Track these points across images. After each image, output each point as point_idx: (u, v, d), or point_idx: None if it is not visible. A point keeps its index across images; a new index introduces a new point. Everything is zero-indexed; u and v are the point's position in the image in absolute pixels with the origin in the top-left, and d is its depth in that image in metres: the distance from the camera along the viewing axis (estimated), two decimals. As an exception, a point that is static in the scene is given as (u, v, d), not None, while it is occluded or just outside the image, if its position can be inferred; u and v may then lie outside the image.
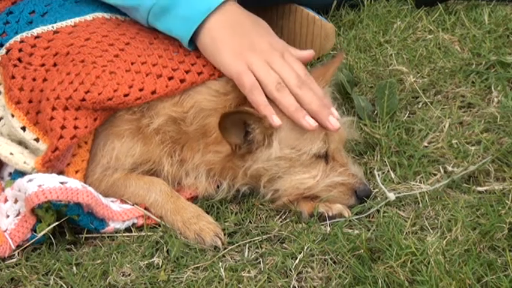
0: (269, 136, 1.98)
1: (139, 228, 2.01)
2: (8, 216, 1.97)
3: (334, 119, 1.98)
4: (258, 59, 2.00)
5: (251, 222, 2.01)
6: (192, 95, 2.03)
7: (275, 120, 1.95)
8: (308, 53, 2.13)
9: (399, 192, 2.02)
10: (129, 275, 1.84)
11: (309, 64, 2.72)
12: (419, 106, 2.41)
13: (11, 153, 2.04)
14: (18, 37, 2.15)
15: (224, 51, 2.02)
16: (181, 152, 2.06)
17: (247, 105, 1.98)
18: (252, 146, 2.00)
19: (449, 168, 2.09)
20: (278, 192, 2.03)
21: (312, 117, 1.97)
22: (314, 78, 2.09)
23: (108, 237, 1.98)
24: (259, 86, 1.98)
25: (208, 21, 2.04)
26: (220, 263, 1.85)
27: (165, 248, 1.91)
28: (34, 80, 2.07)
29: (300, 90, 1.98)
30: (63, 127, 1.99)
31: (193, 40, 2.06)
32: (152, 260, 1.87)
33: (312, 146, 1.99)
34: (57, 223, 1.92)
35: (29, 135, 2.05)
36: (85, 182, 2.02)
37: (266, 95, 1.98)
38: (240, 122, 1.96)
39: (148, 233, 1.97)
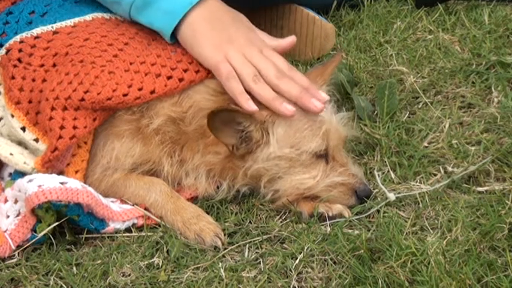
0: (266, 133, 1.98)
1: (140, 228, 2.01)
2: (8, 216, 1.97)
3: (317, 101, 1.98)
4: (236, 52, 2.03)
5: (251, 223, 2.01)
6: (190, 94, 2.03)
7: (250, 105, 1.96)
8: (287, 42, 2.15)
9: (399, 193, 2.02)
10: (129, 275, 1.84)
11: (308, 64, 2.73)
12: (420, 106, 2.41)
13: (11, 154, 2.04)
14: (18, 37, 2.15)
15: (204, 44, 2.05)
16: (181, 153, 2.06)
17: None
18: (250, 146, 2.00)
19: (450, 169, 2.09)
20: (278, 193, 2.03)
21: (295, 104, 1.98)
22: (312, 77, 2.10)
23: (108, 237, 1.98)
24: (235, 75, 2.00)
25: (189, 15, 2.06)
26: (220, 263, 1.85)
27: (165, 248, 1.91)
28: (33, 80, 2.07)
29: (278, 81, 1.99)
30: (62, 127, 1.99)
31: (174, 33, 2.09)
32: (152, 260, 1.87)
33: (311, 143, 1.99)
34: (57, 223, 1.92)
35: (28, 136, 2.05)
36: (85, 182, 2.02)
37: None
38: (231, 121, 1.96)
39: (149, 233, 1.97)
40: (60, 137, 1.97)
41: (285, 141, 1.99)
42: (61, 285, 1.82)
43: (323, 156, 2.02)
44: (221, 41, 2.04)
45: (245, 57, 2.02)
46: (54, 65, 2.08)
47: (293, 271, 1.80)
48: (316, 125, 2.00)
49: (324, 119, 2.03)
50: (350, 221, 1.95)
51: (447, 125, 2.26)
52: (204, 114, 1.99)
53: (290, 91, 1.98)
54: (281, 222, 2.01)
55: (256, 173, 2.02)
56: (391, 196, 1.98)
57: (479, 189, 2.00)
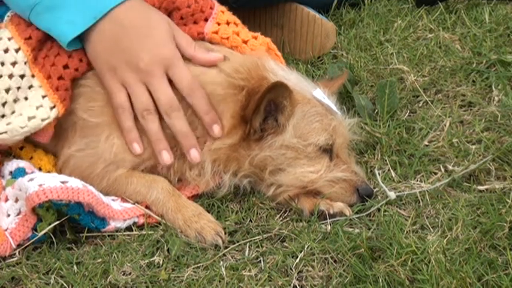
0: (287, 120, 2.00)
1: (140, 227, 2.01)
2: (8, 215, 1.96)
3: (195, 151, 2.02)
4: (133, 78, 2.00)
5: (252, 221, 2.01)
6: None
7: (135, 147, 2.02)
8: (206, 58, 2.07)
9: (400, 191, 2.02)
10: (130, 274, 1.84)
11: (308, 63, 2.73)
12: (420, 105, 2.41)
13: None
14: None
15: (100, 66, 2.02)
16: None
17: (263, 87, 1.96)
18: (264, 133, 2.01)
19: (450, 167, 2.09)
20: (281, 187, 2.03)
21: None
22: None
23: (108, 236, 1.98)
24: (126, 108, 2.01)
25: (91, 30, 2.00)
26: (221, 262, 1.85)
27: (165, 246, 1.91)
28: None
29: (167, 118, 2.01)
30: None
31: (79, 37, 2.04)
32: (153, 258, 1.87)
33: (320, 136, 2.01)
34: (58, 222, 1.92)
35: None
36: (86, 178, 2.01)
37: None
38: (277, 99, 1.97)
39: (149, 232, 1.97)
40: None
41: (295, 131, 2.00)
42: (62, 284, 1.82)
43: (328, 151, 2.04)
44: (119, 64, 2.00)
45: (141, 84, 2.00)
46: None
47: (293, 270, 1.80)
48: (327, 120, 2.02)
49: (335, 117, 2.06)
50: (350, 219, 1.95)
51: (448, 124, 2.26)
52: (221, 111, 2.00)
53: (175, 129, 2.01)
54: (281, 220, 2.01)
55: (261, 162, 2.02)
56: (392, 195, 1.98)
57: (480, 187, 2.00)
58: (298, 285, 1.76)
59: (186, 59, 2.06)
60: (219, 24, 2.19)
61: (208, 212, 2.02)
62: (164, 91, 2.00)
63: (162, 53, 2.01)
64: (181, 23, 2.17)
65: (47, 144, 2.12)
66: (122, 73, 2.00)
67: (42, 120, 2.01)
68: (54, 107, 2.01)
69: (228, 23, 2.20)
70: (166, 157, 2.02)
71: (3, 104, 2.00)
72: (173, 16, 2.16)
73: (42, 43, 2.05)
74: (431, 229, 1.88)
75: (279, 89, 1.95)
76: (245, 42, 2.19)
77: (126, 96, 2.01)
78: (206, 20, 2.18)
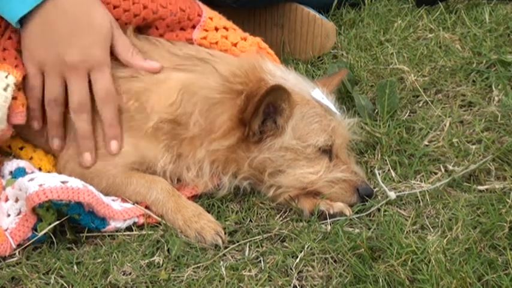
0: (286, 122, 2.00)
1: (140, 227, 2.01)
2: (8, 215, 1.97)
3: (88, 155, 2.05)
4: (54, 69, 2.01)
5: (252, 221, 2.01)
6: (194, 91, 2.03)
7: (34, 124, 2.09)
8: (142, 64, 2.08)
9: (400, 191, 2.02)
10: (130, 273, 1.84)
11: (308, 63, 2.72)
12: (420, 105, 2.41)
13: None
14: None
15: (29, 47, 2.03)
16: (180, 147, 2.05)
17: (262, 90, 1.96)
18: (263, 135, 2.01)
19: (450, 167, 2.09)
20: (281, 189, 2.03)
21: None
22: (319, 86, 2.11)
23: (108, 236, 1.98)
24: (35, 94, 2.05)
25: (34, 13, 1.99)
26: (221, 262, 1.85)
27: (165, 246, 1.91)
28: None
29: (74, 116, 2.04)
30: None
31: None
32: (153, 258, 1.87)
33: (319, 137, 2.01)
34: (58, 222, 1.92)
35: None
36: (86, 179, 2.02)
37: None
38: (276, 102, 1.96)
39: (149, 232, 1.97)
40: None
41: (294, 132, 2.00)
42: (62, 284, 1.82)
43: (327, 152, 2.04)
44: (47, 52, 2.01)
45: (59, 77, 2.01)
46: None
47: (294, 270, 1.80)
48: (326, 121, 2.02)
49: (334, 117, 2.05)
50: (351, 219, 1.95)
51: (448, 124, 2.26)
52: (217, 112, 1.99)
53: (78, 129, 2.05)
54: (281, 220, 2.01)
55: (260, 164, 2.02)
56: (392, 195, 1.99)
57: (480, 187, 2.00)
58: (298, 285, 1.76)
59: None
60: (206, 31, 2.20)
61: (208, 212, 2.02)
62: (80, 90, 2.02)
63: (92, 54, 2.02)
64: (168, 30, 2.18)
65: (43, 142, 2.13)
66: (46, 61, 2.01)
67: (4, 89, 2.00)
68: (8, 75, 2.02)
69: (216, 29, 2.21)
70: (56, 143, 2.09)
71: None
72: (159, 26, 2.17)
73: (4, 30, 2.07)
74: (431, 229, 1.88)
75: (278, 92, 1.95)
76: (234, 44, 2.20)
77: (41, 81, 2.04)
78: (194, 27, 2.19)
